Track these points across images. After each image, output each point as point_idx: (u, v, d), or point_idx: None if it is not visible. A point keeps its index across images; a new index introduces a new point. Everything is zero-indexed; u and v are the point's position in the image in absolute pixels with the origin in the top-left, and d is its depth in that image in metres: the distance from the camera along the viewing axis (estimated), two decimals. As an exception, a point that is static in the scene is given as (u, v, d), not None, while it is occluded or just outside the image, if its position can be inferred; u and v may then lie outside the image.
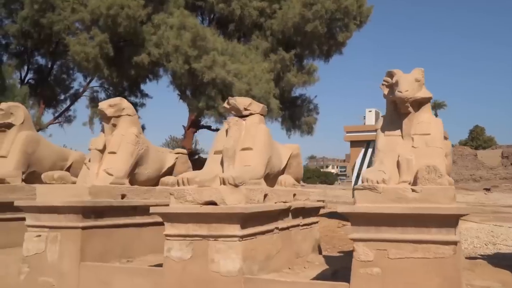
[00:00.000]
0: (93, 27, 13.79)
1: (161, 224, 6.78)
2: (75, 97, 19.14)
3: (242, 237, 4.62)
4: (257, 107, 5.79)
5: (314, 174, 59.94)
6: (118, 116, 6.49)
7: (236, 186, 4.73)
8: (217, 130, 17.62)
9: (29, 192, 7.22)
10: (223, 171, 5.35)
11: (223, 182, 4.77)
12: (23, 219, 6.92)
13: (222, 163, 5.46)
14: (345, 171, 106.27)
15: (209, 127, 17.42)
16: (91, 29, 13.87)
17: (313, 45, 15.21)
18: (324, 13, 14.22)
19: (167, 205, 6.50)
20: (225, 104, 5.86)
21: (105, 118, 6.46)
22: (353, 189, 11.62)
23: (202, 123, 17.14)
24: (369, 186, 4.19)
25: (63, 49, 16.98)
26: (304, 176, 7.34)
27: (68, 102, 19.21)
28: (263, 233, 5.07)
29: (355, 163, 11.53)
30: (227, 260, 4.58)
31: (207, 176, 5.10)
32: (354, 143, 11.71)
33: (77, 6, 13.97)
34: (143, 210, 6.44)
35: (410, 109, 4.82)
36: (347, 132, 11.94)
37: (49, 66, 18.06)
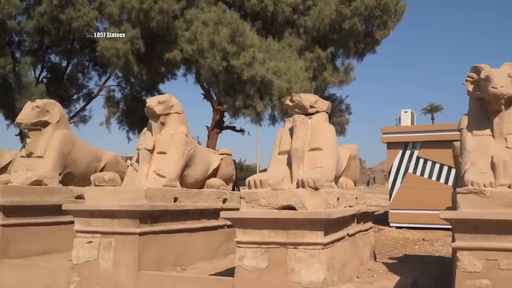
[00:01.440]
0: (124, 21, 13.30)
1: (210, 229, 6.48)
2: (90, 96, 18.66)
3: (325, 244, 4.25)
4: (323, 104, 5.42)
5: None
6: (167, 114, 6.12)
7: (316, 189, 4.36)
8: (241, 131, 17.23)
9: (67, 194, 6.86)
10: (290, 173, 4.98)
11: (302, 184, 4.39)
12: (63, 223, 6.60)
13: (288, 164, 5.08)
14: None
15: (233, 128, 16.97)
16: (121, 24, 13.36)
17: (349, 43, 14.73)
18: (364, 10, 13.81)
19: (220, 209, 6.15)
20: (288, 102, 5.48)
21: (152, 116, 6.07)
22: (390, 193, 11.12)
23: (226, 124, 16.71)
24: (475, 190, 3.81)
25: (80, 47, 16.55)
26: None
27: (82, 101, 18.77)
28: (338, 240, 4.71)
29: (392, 165, 11.15)
30: (309, 270, 4.19)
31: (278, 178, 4.74)
32: (391, 145, 11.30)
33: (105, 0, 13.50)
34: (193, 214, 6.09)
35: (502, 106, 4.45)
36: (384, 134, 11.49)
37: (64, 64, 17.59)
